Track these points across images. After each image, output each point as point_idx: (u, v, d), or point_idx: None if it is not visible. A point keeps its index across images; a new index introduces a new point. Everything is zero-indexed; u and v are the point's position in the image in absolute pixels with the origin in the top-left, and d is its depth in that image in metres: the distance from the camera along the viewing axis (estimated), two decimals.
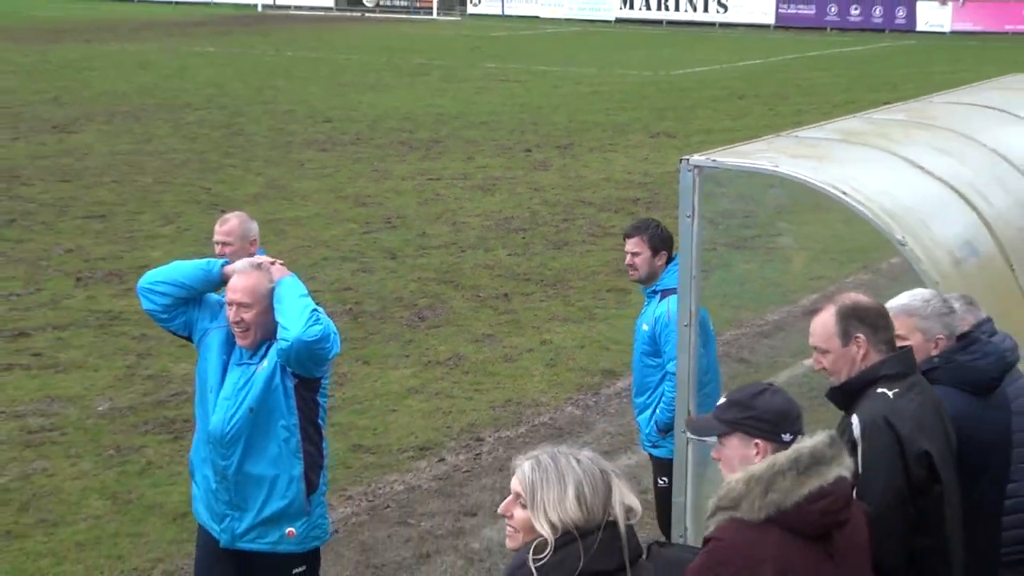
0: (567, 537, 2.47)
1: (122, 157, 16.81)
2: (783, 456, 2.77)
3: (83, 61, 27.85)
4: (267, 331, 3.79)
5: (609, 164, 16.63)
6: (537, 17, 41.25)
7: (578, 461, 2.56)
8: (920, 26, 35.99)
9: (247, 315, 3.69)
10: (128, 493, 7.34)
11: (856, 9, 36.01)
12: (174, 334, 4.12)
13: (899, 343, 3.60)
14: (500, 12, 41.17)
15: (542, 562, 2.44)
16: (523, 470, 2.53)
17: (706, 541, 2.87)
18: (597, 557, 2.47)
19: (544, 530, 2.47)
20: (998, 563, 3.83)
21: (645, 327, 5.41)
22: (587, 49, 31.76)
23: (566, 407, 8.47)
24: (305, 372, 3.84)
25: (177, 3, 46.63)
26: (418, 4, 40.64)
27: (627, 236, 5.56)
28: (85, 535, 6.79)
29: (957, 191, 5.39)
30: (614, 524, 2.50)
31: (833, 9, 36.44)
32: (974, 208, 5.37)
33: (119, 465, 7.64)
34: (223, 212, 10.71)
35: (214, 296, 3.97)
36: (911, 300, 3.81)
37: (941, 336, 3.74)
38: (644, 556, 2.67)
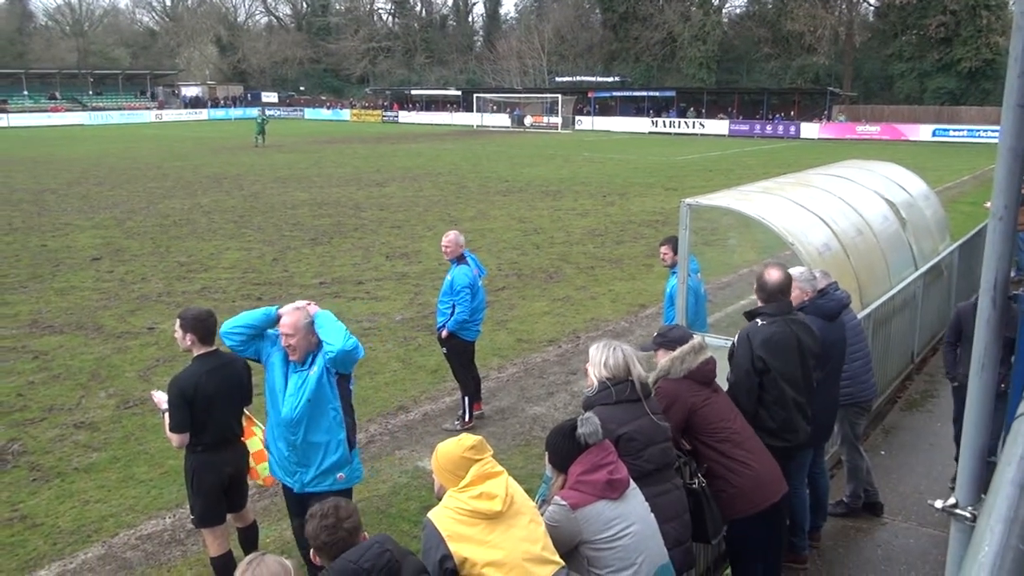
0: (605, 384, 3.75)
1: (408, 198, 23.90)
2: (687, 346, 4.31)
3: (390, 152, 40.66)
4: (308, 349, 4.58)
5: (644, 203, 23.22)
6: (609, 130, 60.82)
7: (613, 348, 3.81)
8: (803, 135, 54.61)
9: (292, 341, 4.50)
10: (410, 359, 9.70)
11: (769, 127, 51.81)
12: (249, 359, 4.86)
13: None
14: (592, 127, 62.91)
15: (595, 394, 3.82)
16: (590, 349, 3.89)
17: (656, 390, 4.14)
18: (623, 394, 3.76)
19: (594, 379, 3.79)
20: (837, 405, 5.52)
21: (667, 289, 7.28)
22: (633, 147, 45.64)
23: (620, 322, 11.24)
24: (344, 370, 4.64)
25: (433, 124, 68.69)
26: (550, 124, 58.40)
27: (661, 244, 7.46)
28: (389, 379, 9.16)
29: (820, 217, 7.03)
30: (633, 381, 3.79)
31: (758, 127, 57.32)
32: (829, 226, 7.10)
33: (405, 345, 10.17)
34: (455, 226, 15.29)
35: (271, 330, 4.73)
36: (794, 272, 5.18)
37: (809, 290, 5.21)
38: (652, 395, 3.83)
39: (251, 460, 5.28)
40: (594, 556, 3.45)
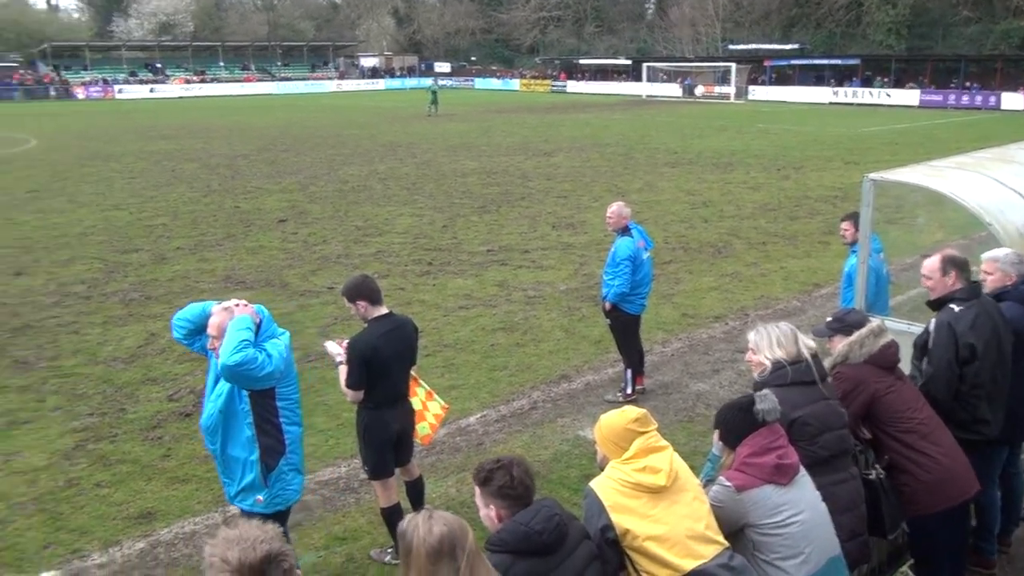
0: (778, 364, 3.68)
1: (575, 168, 24.33)
2: (864, 329, 4.13)
3: (558, 122, 41.52)
4: None
5: (821, 177, 22.59)
6: (785, 101, 57.35)
7: (777, 327, 3.78)
8: (1004, 106, 49.15)
9: (217, 344, 4.16)
10: (573, 328, 10.04)
11: (966, 97, 46.46)
12: (198, 354, 4.53)
13: (985, 276, 4.93)
14: (767, 97, 59.91)
15: (769, 375, 3.75)
16: (750, 334, 3.90)
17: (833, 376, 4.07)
18: (799, 375, 3.68)
19: (765, 362, 3.75)
20: None
21: (846, 269, 6.96)
22: (811, 118, 43.06)
23: (792, 301, 11.29)
24: (242, 387, 4.14)
25: (599, 94, 68.08)
26: (722, 94, 56.75)
27: (843, 219, 7.27)
28: (552, 348, 9.48)
29: (1022, 196, 6.30)
30: (809, 361, 3.70)
31: (952, 97, 47.60)
32: None
33: (568, 315, 10.63)
34: (622, 197, 14.90)
35: None
36: (998, 253, 5.05)
37: (1012, 274, 4.94)
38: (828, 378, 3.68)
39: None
40: (760, 541, 3.38)
